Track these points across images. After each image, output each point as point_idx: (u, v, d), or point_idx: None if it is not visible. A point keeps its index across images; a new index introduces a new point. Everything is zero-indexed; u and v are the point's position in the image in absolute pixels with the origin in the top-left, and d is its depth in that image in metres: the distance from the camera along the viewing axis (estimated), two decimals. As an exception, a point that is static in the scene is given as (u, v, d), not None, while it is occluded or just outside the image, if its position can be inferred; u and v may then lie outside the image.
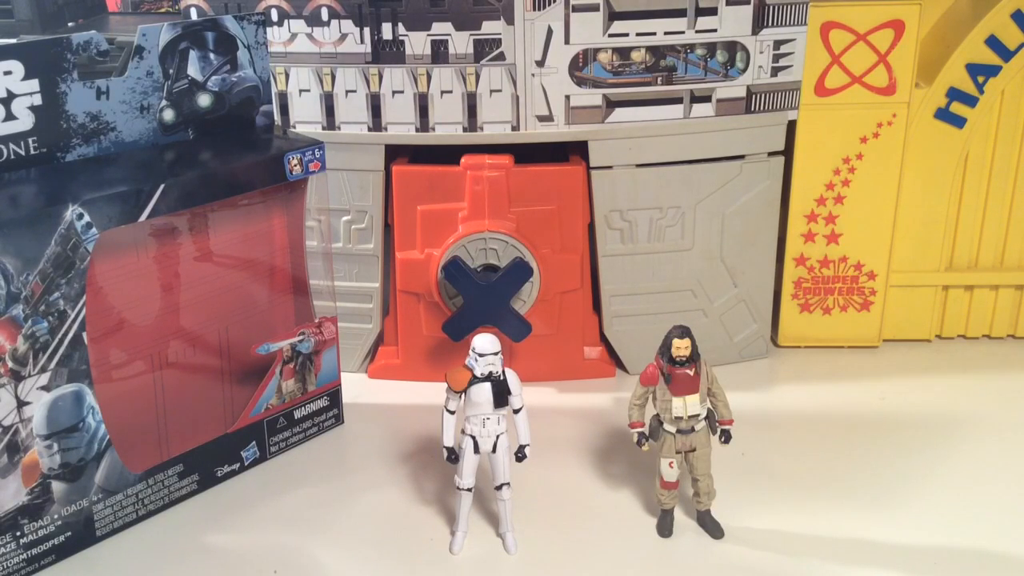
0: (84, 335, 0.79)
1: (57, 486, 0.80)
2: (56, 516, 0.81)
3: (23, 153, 0.80)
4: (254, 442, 0.94)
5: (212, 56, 0.89)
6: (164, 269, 0.87)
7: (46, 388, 0.78)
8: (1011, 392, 1.05)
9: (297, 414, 0.96)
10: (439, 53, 0.97)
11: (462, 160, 1.00)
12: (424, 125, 1.00)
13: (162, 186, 0.80)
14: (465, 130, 1.00)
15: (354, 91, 0.99)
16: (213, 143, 0.90)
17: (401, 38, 0.97)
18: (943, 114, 1.06)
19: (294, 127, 1.01)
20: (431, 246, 1.01)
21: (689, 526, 0.85)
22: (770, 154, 1.04)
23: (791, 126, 1.04)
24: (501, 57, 0.97)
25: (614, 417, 1.00)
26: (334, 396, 0.99)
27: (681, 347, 0.80)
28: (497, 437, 0.81)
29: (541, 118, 0.99)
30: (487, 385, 0.80)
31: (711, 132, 1.01)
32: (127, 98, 0.85)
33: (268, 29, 0.96)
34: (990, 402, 1.03)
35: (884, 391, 1.05)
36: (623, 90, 0.99)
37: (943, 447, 0.95)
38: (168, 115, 0.88)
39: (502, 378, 0.80)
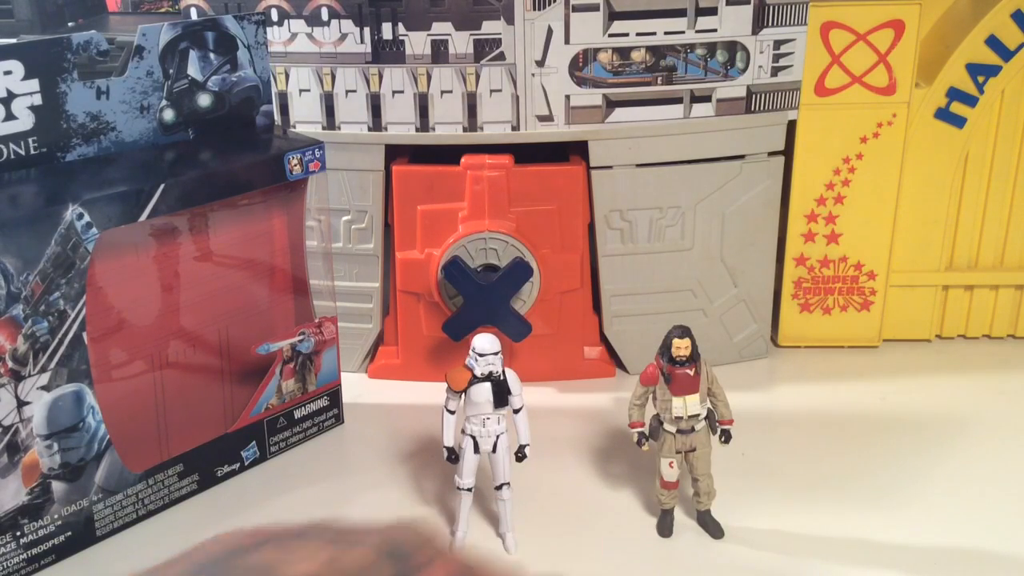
0: (84, 335, 0.79)
1: (57, 486, 0.80)
2: (56, 516, 0.81)
3: (23, 153, 0.80)
4: (254, 442, 0.94)
5: (212, 56, 0.89)
6: (164, 269, 0.87)
7: (46, 388, 0.78)
8: (1011, 392, 1.05)
9: (297, 414, 0.96)
10: (439, 53, 0.97)
11: (462, 160, 1.00)
12: (424, 125, 1.00)
13: (162, 186, 0.80)
14: (465, 130, 1.00)
15: (354, 91, 0.99)
16: (213, 143, 0.90)
17: (401, 38, 0.97)
18: (943, 114, 1.05)
19: (294, 127, 1.01)
20: (431, 246, 1.01)
21: (689, 526, 0.85)
22: (770, 154, 1.04)
23: (791, 126, 1.04)
24: (501, 57, 0.97)
25: (614, 417, 1.00)
26: (334, 396, 0.99)
27: (681, 347, 0.80)
28: (497, 437, 0.81)
29: (541, 118, 0.99)
30: (487, 385, 0.80)
31: (711, 132, 1.01)
32: (127, 98, 0.85)
33: (268, 29, 0.96)
34: (990, 402, 1.03)
35: (884, 391, 1.05)
36: (623, 90, 0.99)
37: (943, 447, 0.95)
38: (168, 115, 0.88)
39: (502, 378, 0.80)
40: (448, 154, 1.01)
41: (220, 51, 0.90)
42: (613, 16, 0.96)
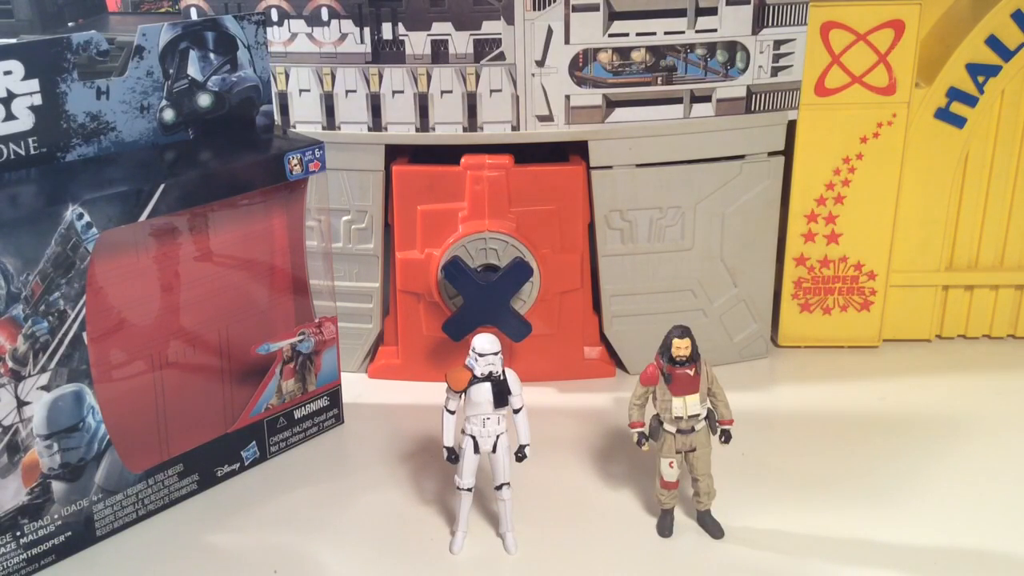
0: (84, 335, 0.79)
1: (57, 486, 0.80)
2: (56, 516, 0.81)
3: (23, 153, 0.80)
4: (254, 442, 0.94)
5: (212, 56, 0.89)
6: (164, 269, 0.87)
7: (46, 388, 0.78)
8: (1011, 392, 1.05)
9: (297, 414, 0.96)
10: (439, 53, 0.97)
11: (462, 160, 1.00)
12: (424, 125, 1.00)
13: (162, 186, 0.80)
14: (465, 130, 1.00)
15: (354, 91, 0.99)
16: (213, 143, 0.90)
17: (401, 38, 0.97)
18: (943, 114, 1.06)
19: (294, 127, 1.01)
20: (431, 246, 1.01)
21: (689, 526, 0.85)
22: (770, 154, 1.04)
23: (791, 126, 1.04)
24: (501, 57, 0.97)
25: (614, 417, 1.00)
26: (334, 396, 0.99)
27: (681, 347, 0.80)
28: (497, 437, 0.81)
29: (541, 118, 0.99)
30: (487, 385, 0.80)
31: (711, 132, 1.02)
32: (127, 98, 0.85)
33: (268, 29, 0.96)
34: (990, 402, 1.03)
35: (884, 391, 1.05)
36: (623, 90, 0.99)
37: (943, 447, 0.95)
38: (168, 115, 0.88)
39: (502, 378, 0.80)
40: (448, 154, 1.01)
41: (220, 51, 0.90)
42: (613, 16, 0.96)
